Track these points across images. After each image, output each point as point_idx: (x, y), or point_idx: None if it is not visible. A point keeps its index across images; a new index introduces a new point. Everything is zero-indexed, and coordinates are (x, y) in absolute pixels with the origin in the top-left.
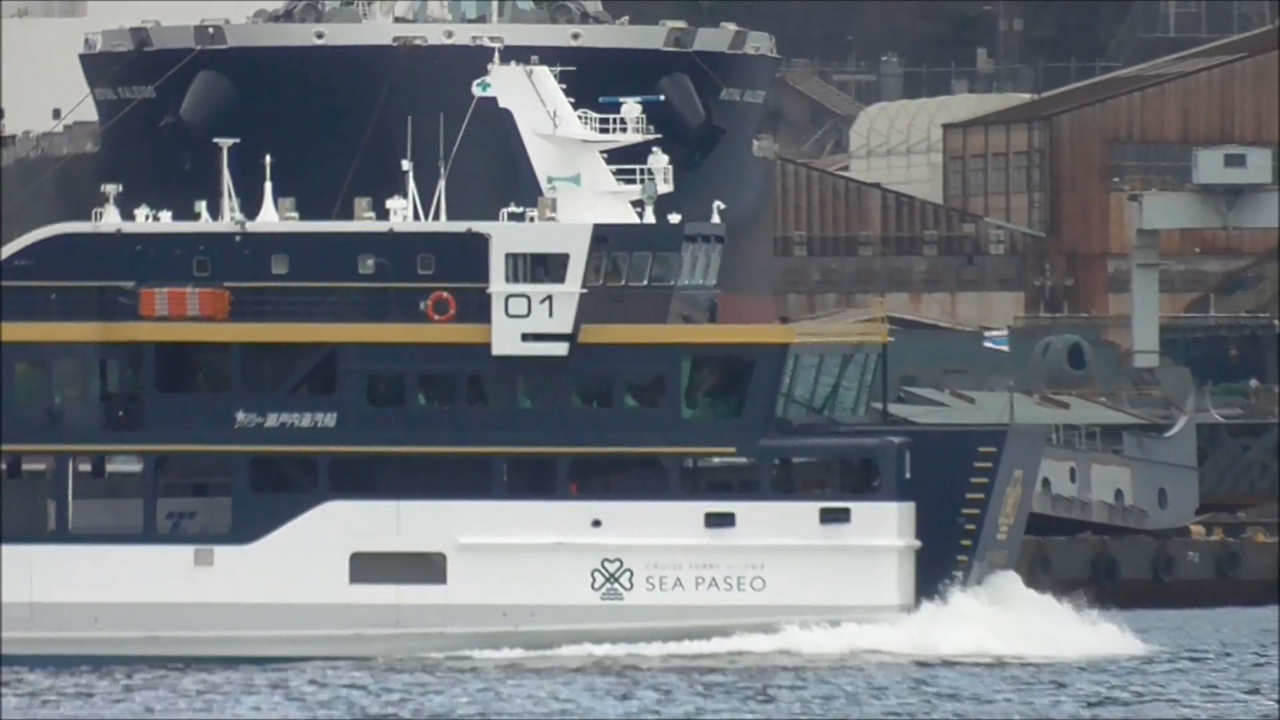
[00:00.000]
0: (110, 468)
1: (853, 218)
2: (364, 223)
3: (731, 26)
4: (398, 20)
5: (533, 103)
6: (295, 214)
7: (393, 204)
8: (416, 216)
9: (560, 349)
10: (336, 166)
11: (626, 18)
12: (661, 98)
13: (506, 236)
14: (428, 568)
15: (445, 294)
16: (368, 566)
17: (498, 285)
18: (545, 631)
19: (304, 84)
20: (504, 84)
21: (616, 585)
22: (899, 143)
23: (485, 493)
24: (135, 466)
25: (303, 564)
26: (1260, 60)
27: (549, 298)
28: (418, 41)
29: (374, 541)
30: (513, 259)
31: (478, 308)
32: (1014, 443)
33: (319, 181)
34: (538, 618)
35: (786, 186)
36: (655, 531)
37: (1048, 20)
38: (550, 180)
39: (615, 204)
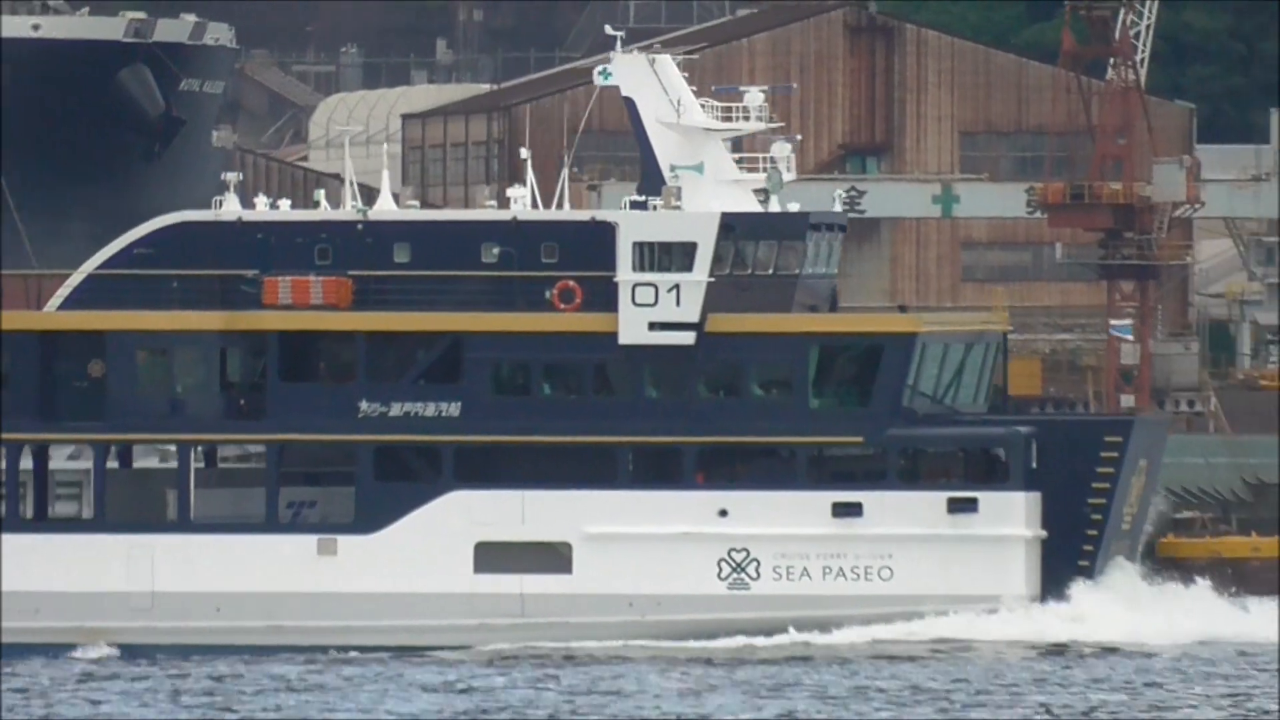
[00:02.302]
0: (224, 459)
1: (310, 208)
2: (487, 211)
3: (191, 17)
4: None
5: (655, 91)
6: (416, 203)
7: (513, 192)
8: (534, 205)
9: (687, 338)
10: None
11: (87, 9)
12: (795, 86)
13: (634, 225)
14: (553, 557)
15: (571, 283)
16: (492, 556)
17: (625, 274)
18: (671, 621)
19: None
20: (626, 72)
21: (743, 575)
22: (359, 133)
23: (611, 482)
24: (250, 459)
25: (427, 554)
26: (720, 51)
27: (676, 286)
28: None
29: (499, 531)
30: (640, 248)
31: (603, 296)
32: (1140, 432)
33: None
34: (664, 607)
35: (246, 177)
36: (782, 521)
37: (507, 11)
38: (673, 169)
39: (737, 193)
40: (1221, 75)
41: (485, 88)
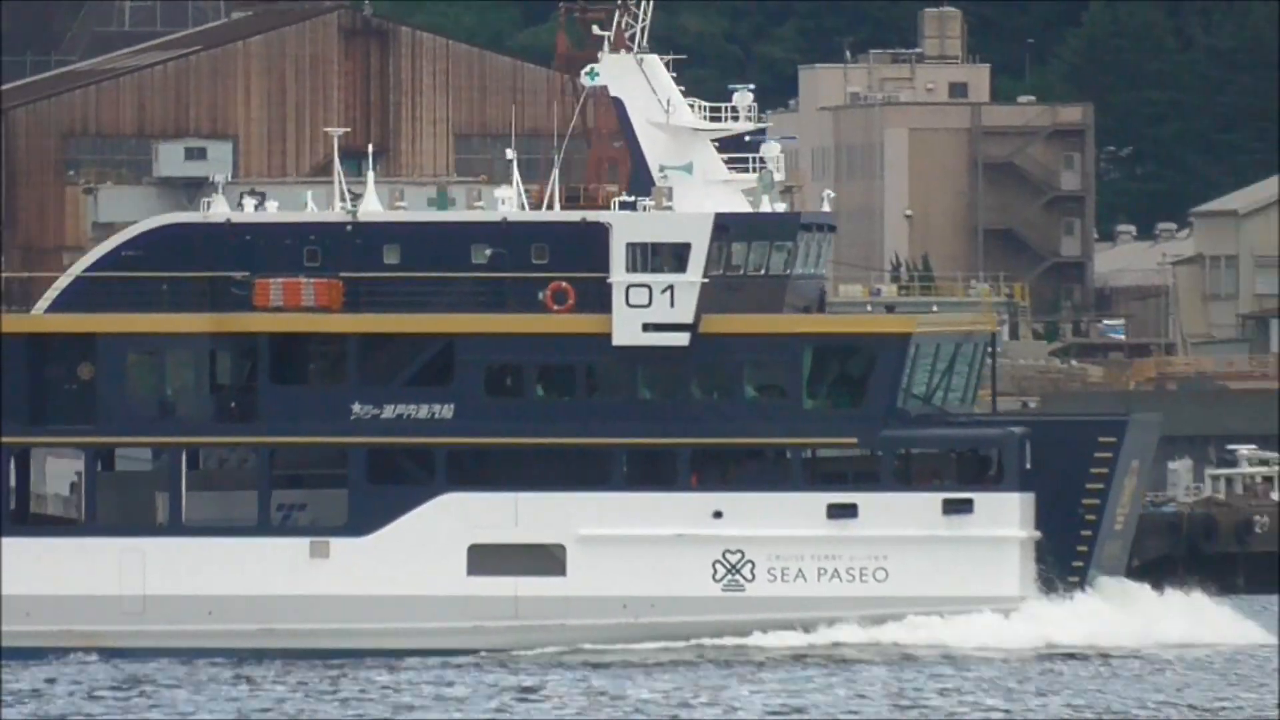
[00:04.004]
0: (210, 461)
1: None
2: (476, 212)
3: None
4: None
5: (644, 91)
6: (404, 203)
7: (500, 193)
8: (521, 206)
9: (681, 339)
10: None
11: None
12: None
13: (627, 226)
14: (547, 560)
15: (564, 284)
16: (486, 559)
17: (618, 275)
18: (666, 623)
19: None
20: (614, 72)
21: (738, 577)
22: None
23: (605, 484)
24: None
25: (420, 556)
26: (215, 54)
27: (670, 287)
28: None
29: (492, 533)
30: (633, 249)
31: (596, 297)
32: (1133, 433)
33: None
34: (658, 609)
35: None
36: (777, 523)
37: (2, 13)
38: (662, 169)
39: (727, 193)
40: (718, 77)
41: None
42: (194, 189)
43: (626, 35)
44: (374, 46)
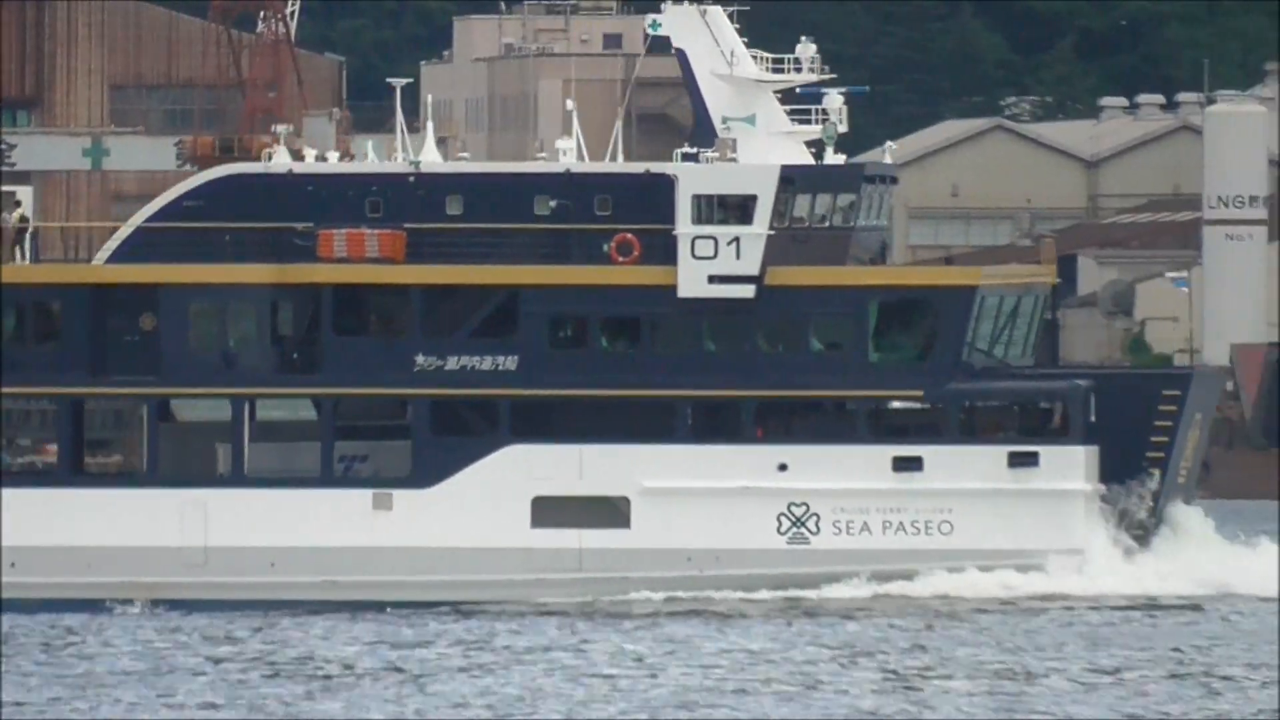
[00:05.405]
0: (268, 414)
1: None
2: (539, 163)
3: None
4: None
5: (707, 42)
6: (467, 154)
7: (561, 144)
8: (580, 157)
9: (747, 291)
10: None
11: None
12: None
13: (693, 178)
14: (611, 512)
15: (630, 236)
16: (550, 511)
17: (684, 227)
18: (730, 576)
19: None
20: (677, 23)
21: (802, 529)
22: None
23: (669, 436)
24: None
25: (483, 508)
26: None
27: (736, 239)
28: None
29: (556, 486)
30: (699, 200)
31: (661, 249)
32: (1197, 385)
33: None
34: (722, 562)
35: None
36: (842, 475)
37: None
38: (725, 121)
39: (789, 145)
40: (371, 28)
41: None
42: None
43: None
44: None
